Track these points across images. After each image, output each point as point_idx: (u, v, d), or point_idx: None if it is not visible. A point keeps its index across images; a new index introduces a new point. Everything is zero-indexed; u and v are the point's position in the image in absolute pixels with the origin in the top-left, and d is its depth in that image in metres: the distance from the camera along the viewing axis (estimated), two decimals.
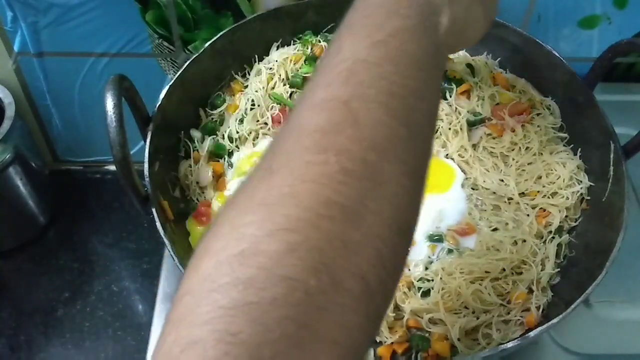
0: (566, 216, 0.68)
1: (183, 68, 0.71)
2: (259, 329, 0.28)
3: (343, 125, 0.34)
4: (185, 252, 0.65)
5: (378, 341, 0.62)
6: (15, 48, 0.84)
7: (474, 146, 0.73)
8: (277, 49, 0.79)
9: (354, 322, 0.31)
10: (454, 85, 0.76)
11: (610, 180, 0.66)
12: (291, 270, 0.29)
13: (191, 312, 0.29)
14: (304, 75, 0.76)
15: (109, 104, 0.56)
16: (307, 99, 0.37)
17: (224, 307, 0.29)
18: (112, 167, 0.98)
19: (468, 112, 0.74)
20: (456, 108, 0.75)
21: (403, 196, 0.35)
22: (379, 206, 0.33)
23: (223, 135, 0.74)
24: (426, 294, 0.63)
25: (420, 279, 0.64)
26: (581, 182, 0.70)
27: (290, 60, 0.78)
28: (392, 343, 0.61)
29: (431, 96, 0.40)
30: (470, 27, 0.48)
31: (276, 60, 0.78)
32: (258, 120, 0.75)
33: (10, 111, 0.84)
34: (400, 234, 0.35)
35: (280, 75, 0.77)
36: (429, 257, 0.66)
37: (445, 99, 0.75)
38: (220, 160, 0.74)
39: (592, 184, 0.69)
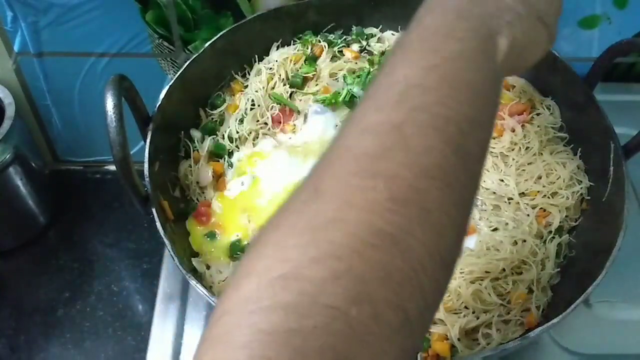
0: (566, 216, 0.68)
1: (183, 68, 0.71)
2: (297, 357, 0.27)
3: (394, 150, 0.33)
4: (185, 252, 0.66)
5: None
6: (15, 48, 0.84)
7: None
8: (277, 49, 0.79)
9: (391, 356, 0.30)
10: None
11: (610, 180, 0.66)
12: (333, 299, 0.29)
13: (229, 333, 0.29)
14: (304, 75, 0.77)
15: (109, 104, 0.56)
16: (357, 121, 0.36)
17: (263, 332, 0.28)
18: (112, 167, 0.98)
19: None
20: None
21: (450, 227, 0.34)
22: (425, 236, 0.32)
23: (223, 135, 0.74)
24: None
25: None
26: (581, 182, 0.70)
27: (290, 60, 0.78)
28: None
29: (486, 123, 0.38)
30: (530, 49, 0.46)
31: (276, 60, 0.78)
32: (258, 120, 0.75)
33: (10, 111, 0.84)
34: (443, 265, 0.34)
35: (280, 75, 0.77)
36: None
37: None
38: (220, 160, 0.74)
39: (592, 184, 0.69)
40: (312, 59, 0.78)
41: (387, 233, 0.31)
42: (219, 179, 0.72)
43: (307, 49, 0.78)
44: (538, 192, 0.69)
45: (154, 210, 0.61)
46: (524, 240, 0.66)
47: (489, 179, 0.71)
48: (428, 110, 0.34)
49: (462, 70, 0.37)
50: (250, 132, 0.74)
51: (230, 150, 0.74)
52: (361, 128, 0.35)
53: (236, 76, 0.78)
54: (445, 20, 0.39)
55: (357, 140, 0.34)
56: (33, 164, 0.91)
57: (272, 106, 0.75)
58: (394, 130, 0.34)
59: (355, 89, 0.74)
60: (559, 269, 0.66)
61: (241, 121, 0.74)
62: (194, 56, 0.72)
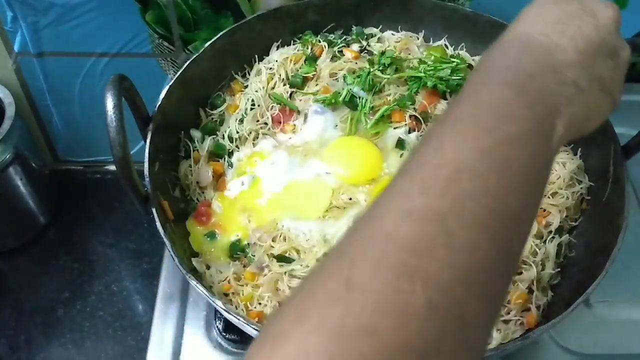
0: (566, 216, 0.68)
1: (183, 68, 0.71)
2: None
3: (436, 246, 0.31)
4: (185, 252, 0.66)
5: None
6: (15, 48, 0.84)
7: None
8: (277, 49, 0.79)
9: None
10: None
11: (610, 180, 0.66)
12: None
13: None
14: (304, 75, 0.76)
15: (109, 103, 0.56)
16: (399, 200, 0.33)
17: None
18: (112, 167, 0.99)
19: None
20: None
21: (479, 341, 0.32)
22: (456, 351, 0.30)
23: (223, 135, 0.74)
24: None
25: None
26: (581, 182, 0.70)
27: (290, 60, 0.78)
28: None
29: (531, 216, 0.37)
30: (590, 120, 0.42)
31: (276, 60, 0.78)
32: (258, 120, 0.75)
33: (10, 111, 0.84)
34: None
35: (280, 75, 0.77)
36: None
37: (446, 98, 0.76)
38: (220, 160, 0.74)
39: (592, 184, 0.69)
40: (312, 59, 0.77)
41: (417, 349, 0.29)
42: (219, 179, 0.72)
43: (307, 49, 0.78)
44: None
45: (154, 210, 0.61)
46: None
47: None
48: (475, 200, 0.33)
49: (514, 156, 0.35)
50: (250, 132, 0.74)
51: (230, 150, 0.74)
52: (403, 211, 0.33)
53: (236, 76, 0.78)
54: (502, 96, 0.37)
55: (398, 226, 0.32)
56: (33, 164, 0.91)
57: (272, 106, 0.75)
58: (439, 221, 0.32)
59: (355, 89, 0.74)
60: (559, 269, 0.66)
61: (241, 121, 0.74)
62: (194, 56, 0.72)
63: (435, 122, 0.38)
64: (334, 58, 0.78)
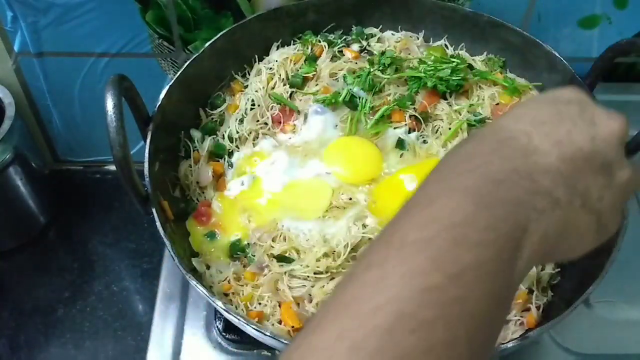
0: None
1: (183, 68, 0.71)
2: None
3: None
4: (185, 252, 0.66)
5: None
6: (15, 48, 0.84)
7: None
8: (277, 49, 0.80)
9: None
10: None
11: None
12: None
13: None
14: (304, 75, 0.76)
15: (109, 103, 0.56)
16: (327, 344, 0.29)
17: None
18: (112, 167, 0.99)
19: (468, 112, 0.74)
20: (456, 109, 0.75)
21: None
22: None
23: (223, 135, 0.74)
24: None
25: None
26: None
27: (290, 60, 0.78)
28: None
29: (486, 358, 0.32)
30: (569, 241, 0.36)
31: (276, 60, 0.78)
32: (258, 120, 0.75)
33: (10, 111, 0.84)
34: None
35: (280, 75, 0.77)
36: None
37: (445, 98, 0.76)
38: (220, 160, 0.74)
39: None
40: (312, 59, 0.77)
41: None
42: (219, 179, 0.72)
43: (307, 49, 0.78)
44: None
45: (154, 210, 0.61)
46: None
47: None
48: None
49: (468, 295, 0.30)
50: (250, 132, 0.74)
51: (230, 150, 0.74)
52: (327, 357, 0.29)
53: (236, 76, 0.78)
54: (462, 212, 0.31)
55: None
56: (33, 164, 0.91)
57: (272, 106, 0.75)
58: None
59: (355, 89, 0.74)
60: (559, 269, 0.66)
61: (241, 121, 0.74)
62: (194, 56, 0.72)
63: (381, 236, 0.31)
64: (334, 58, 0.78)
